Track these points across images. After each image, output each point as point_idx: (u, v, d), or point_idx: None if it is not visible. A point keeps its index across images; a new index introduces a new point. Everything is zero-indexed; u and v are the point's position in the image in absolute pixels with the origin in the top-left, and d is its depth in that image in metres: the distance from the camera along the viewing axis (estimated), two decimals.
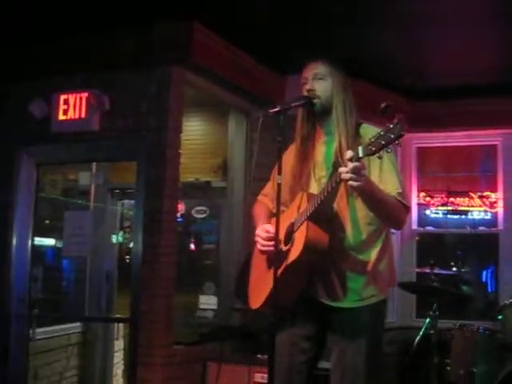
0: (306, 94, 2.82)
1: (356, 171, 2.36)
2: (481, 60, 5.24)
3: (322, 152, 2.87)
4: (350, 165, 2.36)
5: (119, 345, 6.15)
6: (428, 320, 4.99)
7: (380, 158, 2.36)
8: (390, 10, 4.34)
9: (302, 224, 2.65)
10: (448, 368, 4.88)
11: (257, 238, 2.89)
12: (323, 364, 2.96)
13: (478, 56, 5.15)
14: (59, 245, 5.53)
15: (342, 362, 2.76)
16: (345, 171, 2.38)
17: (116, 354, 6.13)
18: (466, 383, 4.81)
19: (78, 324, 5.91)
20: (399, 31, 4.74)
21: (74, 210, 5.83)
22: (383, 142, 2.28)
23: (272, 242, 2.74)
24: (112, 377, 6.05)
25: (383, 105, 2.37)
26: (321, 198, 2.59)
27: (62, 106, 4.92)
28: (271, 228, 2.79)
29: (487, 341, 4.87)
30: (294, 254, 2.62)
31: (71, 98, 4.89)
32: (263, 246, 2.85)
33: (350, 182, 2.40)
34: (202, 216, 6.11)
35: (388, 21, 4.55)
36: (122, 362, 6.10)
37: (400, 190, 2.70)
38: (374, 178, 2.67)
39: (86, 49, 4.89)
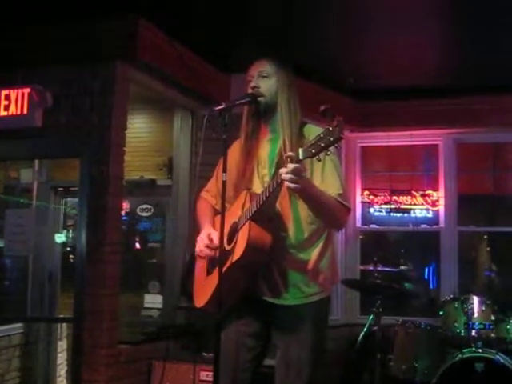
0: (250, 91, 2.83)
1: (296, 172, 2.39)
2: (424, 61, 5.34)
3: (266, 150, 2.89)
4: (290, 166, 2.38)
5: (62, 345, 6.05)
6: (371, 316, 5.06)
7: (319, 160, 2.38)
8: (336, 9, 4.40)
9: (244, 224, 2.66)
10: (391, 363, 4.97)
11: (198, 241, 2.88)
12: (268, 361, 2.98)
13: (422, 57, 5.25)
14: (0, 244, 5.41)
15: (287, 358, 2.78)
16: (285, 172, 2.40)
17: (59, 355, 6.03)
18: (408, 378, 4.91)
19: (20, 325, 5.79)
20: (342, 31, 4.80)
21: (16, 208, 5.71)
22: (323, 145, 2.31)
23: (212, 252, 2.77)
24: (56, 378, 5.95)
25: (322, 108, 2.36)
26: (263, 199, 2.60)
27: (4, 102, 4.79)
28: (216, 237, 2.78)
29: (429, 336, 4.99)
30: (237, 253, 2.63)
31: (13, 93, 4.76)
32: (201, 251, 2.85)
33: (289, 184, 2.42)
34: (147, 214, 6.07)
35: (331, 21, 4.60)
36: (66, 362, 6.01)
37: (341, 192, 2.72)
38: (316, 179, 2.71)
39: (28, 43, 4.78)
